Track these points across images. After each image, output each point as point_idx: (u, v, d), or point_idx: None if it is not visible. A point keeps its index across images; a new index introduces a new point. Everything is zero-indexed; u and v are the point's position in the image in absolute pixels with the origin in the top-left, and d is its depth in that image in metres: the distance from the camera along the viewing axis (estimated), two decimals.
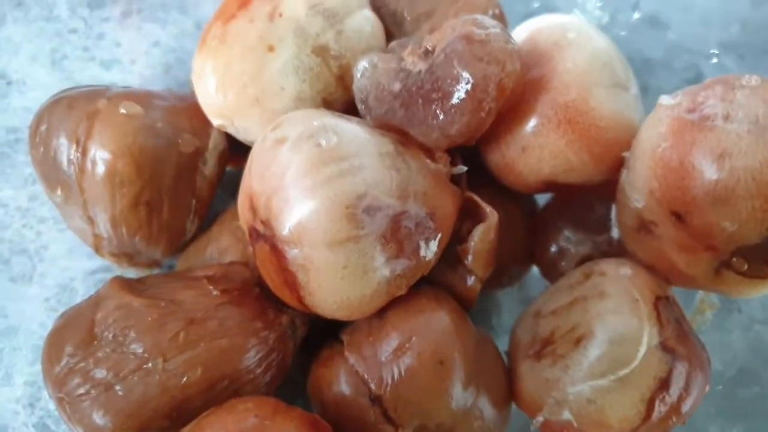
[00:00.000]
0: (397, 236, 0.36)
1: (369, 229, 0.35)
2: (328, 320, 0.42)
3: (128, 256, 0.45)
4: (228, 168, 0.49)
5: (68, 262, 0.51)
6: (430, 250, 0.38)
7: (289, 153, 0.36)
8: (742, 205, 0.33)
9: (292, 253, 0.36)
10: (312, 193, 0.35)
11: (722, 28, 0.55)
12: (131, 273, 0.47)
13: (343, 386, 0.39)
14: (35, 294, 0.50)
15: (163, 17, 0.57)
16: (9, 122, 0.54)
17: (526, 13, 0.57)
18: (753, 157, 0.33)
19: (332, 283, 0.36)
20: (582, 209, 0.45)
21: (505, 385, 0.41)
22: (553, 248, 0.45)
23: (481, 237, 0.40)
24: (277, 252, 0.36)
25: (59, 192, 0.42)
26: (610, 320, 0.37)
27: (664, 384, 0.36)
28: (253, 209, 0.37)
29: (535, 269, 0.51)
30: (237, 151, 0.46)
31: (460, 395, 0.38)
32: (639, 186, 0.38)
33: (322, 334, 0.42)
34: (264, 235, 0.37)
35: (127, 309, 0.38)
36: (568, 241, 0.44)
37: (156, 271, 0.47)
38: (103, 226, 0.42)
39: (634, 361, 0.35)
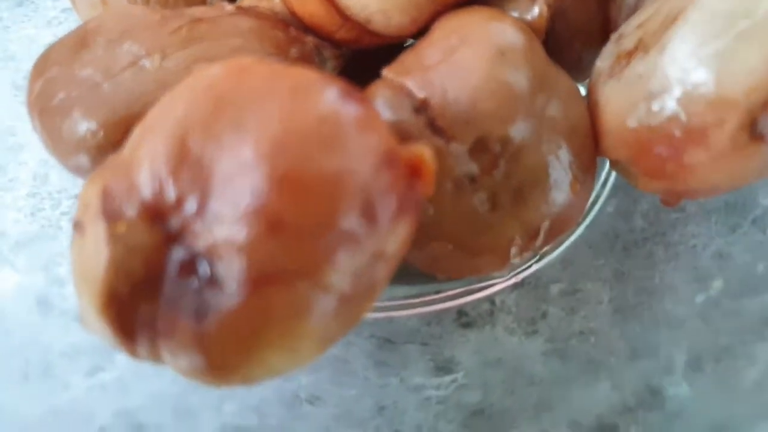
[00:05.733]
0: None
1: None
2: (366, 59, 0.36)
3: None
4: None
5: None
6: None
7: None
8: None
9: None
10: None
11: None
12: None
13: (381, 104, 0.31)
14: None
15: None
16: None
17: None
18: None
19: None
20: None
21: (585, 122, 0.32)
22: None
23: None
24: None
25: None
26: None
27: None
28: None
29: None
30: None
31: (526, 99, 0.30)
32: None
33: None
34: None
35: (125, 15, 0.32)
36: None
37: None
38: None
39: (757, 10, 0.27)
